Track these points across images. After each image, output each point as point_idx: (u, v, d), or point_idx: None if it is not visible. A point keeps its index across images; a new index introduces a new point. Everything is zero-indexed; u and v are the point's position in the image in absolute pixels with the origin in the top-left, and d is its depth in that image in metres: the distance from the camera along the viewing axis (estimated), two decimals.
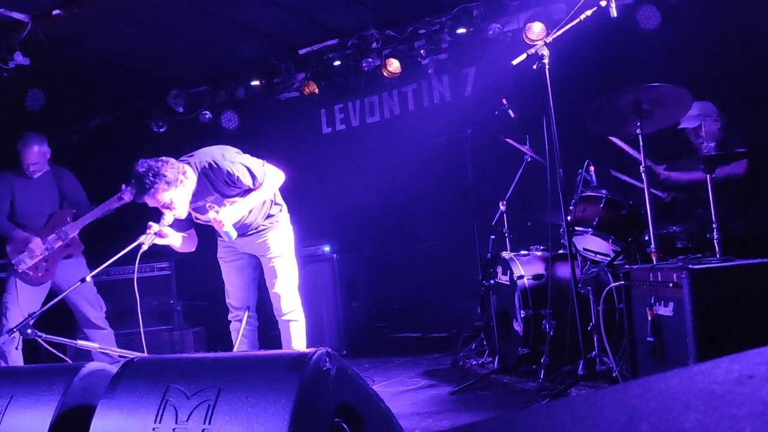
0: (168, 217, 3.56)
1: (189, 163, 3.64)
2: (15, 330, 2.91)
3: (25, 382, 2.39)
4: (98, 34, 5.93)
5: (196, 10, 5.68)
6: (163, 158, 3.53)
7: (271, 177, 3.81)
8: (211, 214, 3.67)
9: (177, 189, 3.51)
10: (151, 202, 3.53)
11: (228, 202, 3.78)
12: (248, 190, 3.75)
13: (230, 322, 4.14)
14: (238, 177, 3.65)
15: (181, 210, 3.63)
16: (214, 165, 3.64)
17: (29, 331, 2.93)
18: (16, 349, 3.87)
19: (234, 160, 3.67)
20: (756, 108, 4.75)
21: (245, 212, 3.79)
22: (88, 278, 3.41)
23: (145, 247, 3.48)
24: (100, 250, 5.32)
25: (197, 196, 3.72)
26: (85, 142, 7.57)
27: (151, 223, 3.53)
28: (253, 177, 3.70)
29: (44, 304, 4.82)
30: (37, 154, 5.01)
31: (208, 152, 3.72)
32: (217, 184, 3.69)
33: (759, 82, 4.85)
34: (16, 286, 4.83)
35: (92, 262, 5.26)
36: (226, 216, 3.62)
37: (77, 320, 5.15)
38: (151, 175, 3.43)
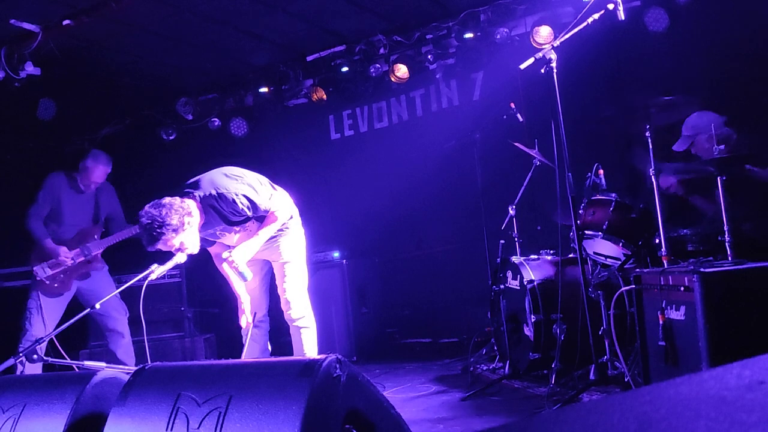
0: (179, 257, 3.56)
1: (193, 196, 3.61)
2: (21, 355, 2.93)
3: (37, 390, 2.41)
4: (107, 44, 5.99)
5: (204, 18, 5.72)
6: (165, 202, 3.47)
7: (278, 208, 3.77)
8: (224, 254, 3.68)
9: (185, 232, 3.49)
10: (163, 248, 3.51)
11: (235, 229, 3.80)
12: (253, 217, 3.75)
13: (242, 327, 4.15)
14: (242, 209, 3.64)
15: (194, 248, 3.62)
16: (219, 197, 3.62)
17: (35, 356, 2.94)
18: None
19: (239, 191, 3.63)
20: (765, 111, 4.72)
21: (257, 249, 3.76)
22: (98, 306, 3.42)
23: (154, 276, 3.50)
24: (120, 256, 5.41)
25: (206, 226, 3.72)
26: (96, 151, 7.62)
27: (154, 266, 3.48)
28: (255, 208, 3.68)
29: (67, 312, 4.89)
30: (103, 175, 5.09)
31: (213, 181, 3.68)
32: (223, 213, 3.68)
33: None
34: (39, 295, 4.87)
35: (114, 269, 5.34)
36: (239, 256, 3.61)
37: (99, 325, 5.17)
38: (156, 225, 3.39)
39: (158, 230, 3.40)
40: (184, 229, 3.47)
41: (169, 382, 2.04)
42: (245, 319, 3.93)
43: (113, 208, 5.28)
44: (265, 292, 4.18)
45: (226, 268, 3.97)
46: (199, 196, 3.62)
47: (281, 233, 3.98)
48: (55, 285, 4.90)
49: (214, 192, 3.62)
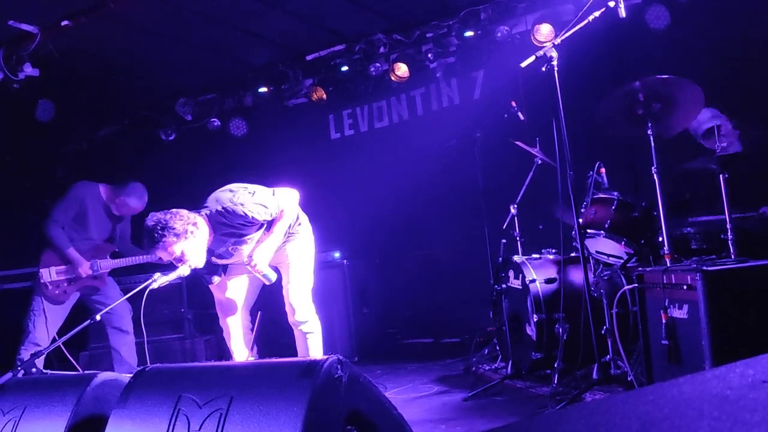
0: (182, 269, 3.55)
1: (200, 214, 3.63)
2: (20, 369, 2.94)
3: (38, 392, 2.41)
4: (106, 44, 5.99)
5: (203, 18, 5.72)
6: (173, 210, 3.51)
7: (286, 203, 3.79)
8: (245, 259, 3.72)
9: (187, 241, 3.49)
10: (163, 256, 3.51)
11: (248, 239, 3.80)
12: (266, 222, 3.77)
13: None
14: (253, 217, 3.65)
15: (197, 261, 3.61)
16: (226, 211, 3.63)
17: (34, 369, 2.95)
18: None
19: (245, 201, 3.64)
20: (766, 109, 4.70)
21: (275, 248, 3.80)
22: (98, 317, 3.41)
23: (155, 285, 3.49)
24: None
25: (218, 243, 3.74)
26: (95, 152, 7.63)
27: (156, 275, 3.49)
28: (265, 212, 3.70)
29: (72, 314, 4.88)
30: (134, 211, 5.09)
31: (218, 199, 3.70)
32: (233, 226, 3.69)
33: None
34: (42, 298, 4.85)
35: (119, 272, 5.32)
36: (259, 258, 3.65)
37: (104, 322, 5.13)
38: (159, 228, 3.41)
39: (161, 232, 3.41)
40: (187, 237, 3.48)
41: (170, 384, 2.04)
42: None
43: (124, 229, 5.27)
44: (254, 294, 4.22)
45: (231, 293, 4.01)
46: (206, 213, 3.65)
47: (290, 238, 3.99)
48: (56, 291, 4.89)
49: (220, 208, 3.64)
